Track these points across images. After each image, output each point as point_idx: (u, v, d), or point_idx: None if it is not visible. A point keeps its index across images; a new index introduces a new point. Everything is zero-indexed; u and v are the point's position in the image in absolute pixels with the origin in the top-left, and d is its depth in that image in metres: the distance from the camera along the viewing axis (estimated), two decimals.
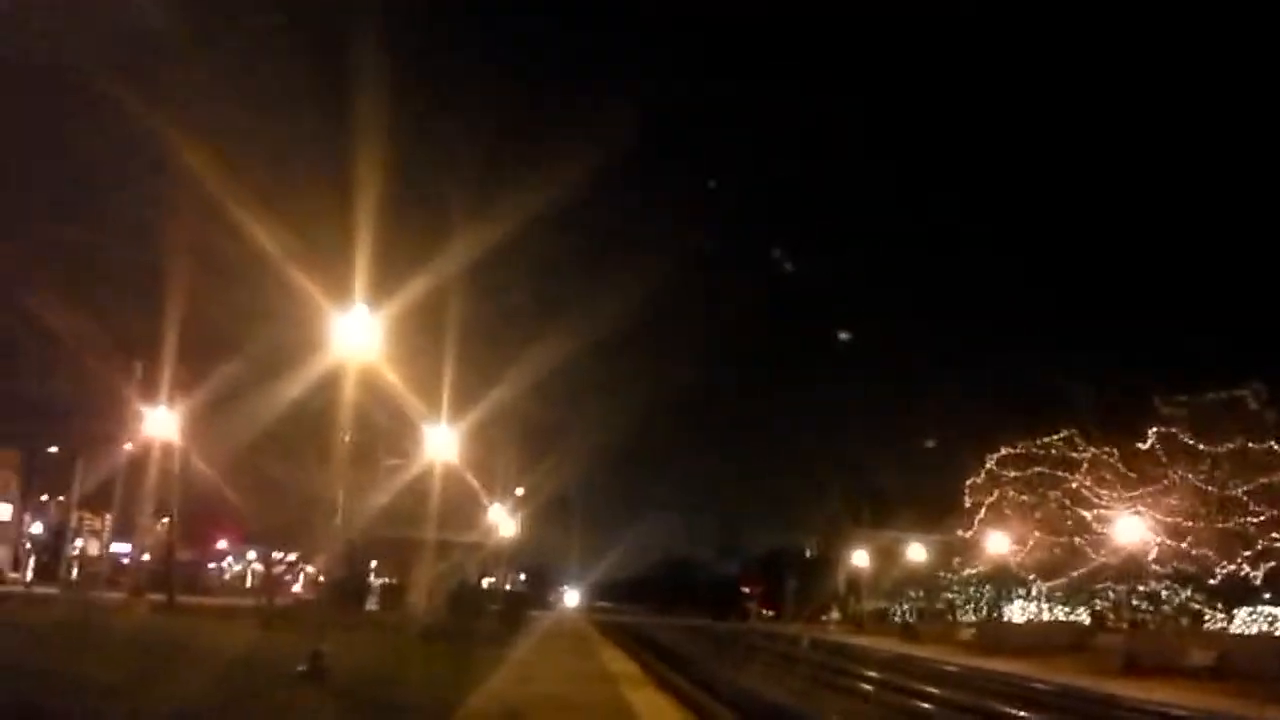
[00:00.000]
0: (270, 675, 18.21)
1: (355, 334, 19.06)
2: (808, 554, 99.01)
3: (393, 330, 22.85)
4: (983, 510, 56.64)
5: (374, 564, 60.13)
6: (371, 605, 48.63)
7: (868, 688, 31.03)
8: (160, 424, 36.24)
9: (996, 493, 55.62)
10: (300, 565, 50.51)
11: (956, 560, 62.53)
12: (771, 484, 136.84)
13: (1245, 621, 46.64)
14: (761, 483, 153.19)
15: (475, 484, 45.71)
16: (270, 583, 45.37)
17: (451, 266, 31.39)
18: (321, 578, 46.77)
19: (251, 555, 70.61)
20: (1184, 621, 48.64)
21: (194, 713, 13.71)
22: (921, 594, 71.03)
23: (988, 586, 62.40)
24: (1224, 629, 46.36)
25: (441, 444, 36.09)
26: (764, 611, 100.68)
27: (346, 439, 21.39)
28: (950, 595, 67.37)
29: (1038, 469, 53.45)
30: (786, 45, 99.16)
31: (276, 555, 48.08)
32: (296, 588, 54.70)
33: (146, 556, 53.08)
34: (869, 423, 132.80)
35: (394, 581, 50.95)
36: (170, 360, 33.88)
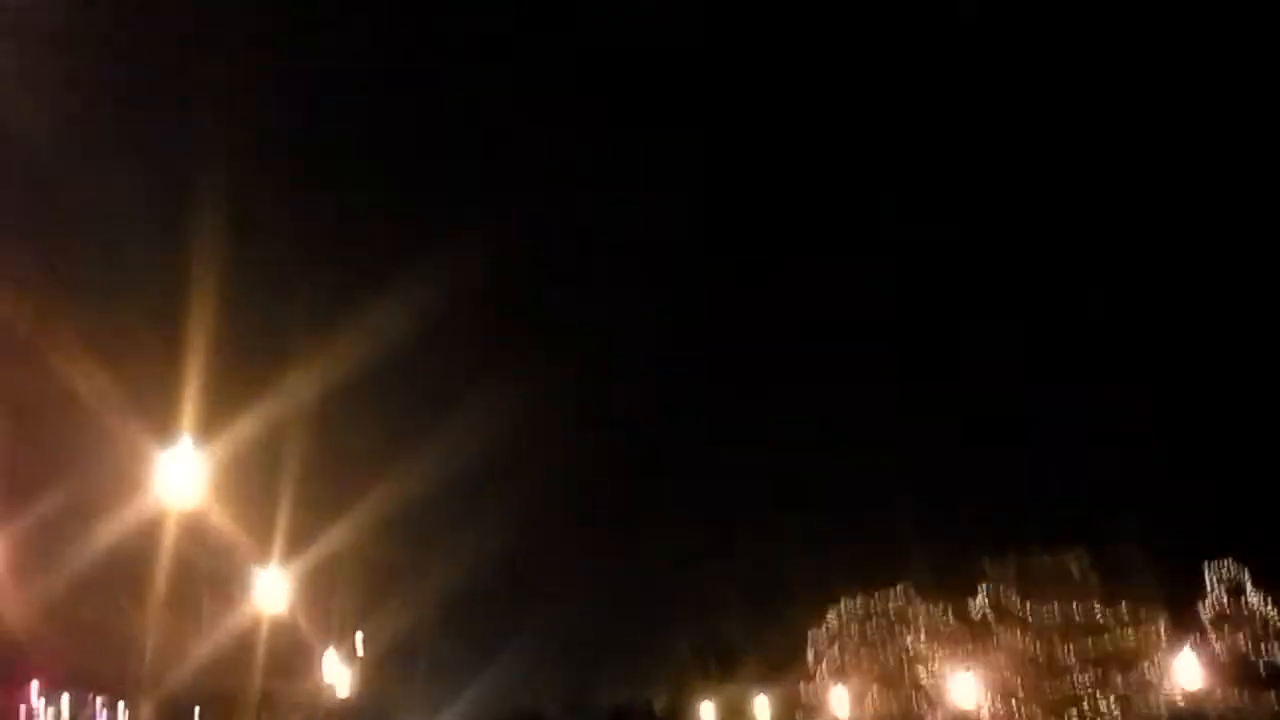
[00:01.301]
0: None
1: (178, 474, 18.64)
2: (656, 708, 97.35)
3: (224, 471, 22.38)
4: (824, 665, 57.15)
5: (197, 714, 56.62)
6: None
7: None
8: None
9: (837, 647, 56.28)
10: (115, 714, 47.21)
11: (798, 715, 62.48)
12: (622, 638, 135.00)
13: None
14: (613, 636, 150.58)
15: (309, 631, 43.88)
16: None
17: (289, 405, 30.86)
18: None
19: (63, 702, 65.81)
20: None
21: None
22: None
23: None
24: None
25: (271, 591, 34.66)
26: None
27: (165, 587, 20.60)
28: None
29: (875, 623, 54.43)
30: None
31: (89, 705, 44.94)
32: None
33: None
34: (714, 572, 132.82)
35: None
36: None
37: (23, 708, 69.91)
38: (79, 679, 54.43)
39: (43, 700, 70.95)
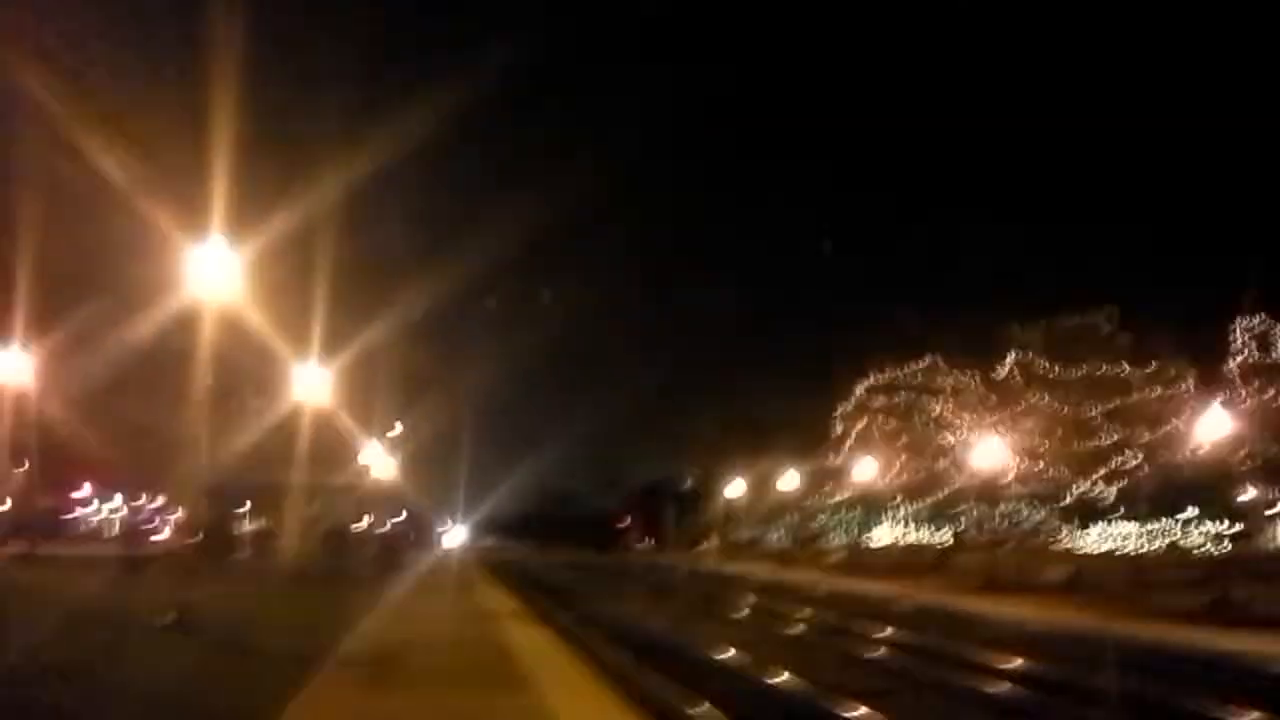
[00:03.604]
0: (137, 627, 17.84)
1: (213, 269, 18.42)
2: (687, 485, 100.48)
3: (258, 267, 22.14)
4: (851, 437, 58.34)
5: (247, 507, 58.74)
6: (244, 553, 47.63)
7: (742, 613, 31.88)
8: (12, 366, 34.30)
9: (865, 420, 57.28)
10: (167, 512, 49.13)
11: (827, 486, 64.27)
12: (654, 418, 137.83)
13: (1098, 539, 49.08)
14: (644, 421, 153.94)
15: (349, 424, 44.80)
16: (134, 531, 43.97)
17: (323, 200, 30.33)
18: (188, 525, 45.57)
19: (116, 502, 68.38)
20: (1041, 540, 50.98)
21: (59, 667, 13.39)
22: (795, 520, 72.83)
23: (857, 511, 64.36)
24: (1078, 547, 48.78)
25: (311, 384, 35.02)
26: (646, 541, 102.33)
27: (208, 381, 20.70)
28: (821, 520, 69.26)
29: (903, 395, 55.27)
30: None
31: (140, 503, 46.72)
32: (164, 534, 53.19)
33: (5, 506, 51.00)
34: (747, 353, 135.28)
35: (266, 526, 50.05)
36: (20, 297, 32.02)
37: (77, 510, 72.57)
38: (128, 480, 56.25)
39: (96, 501, 73.56)
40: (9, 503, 51.21)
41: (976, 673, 18.05)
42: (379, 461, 52.24)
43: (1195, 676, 17.73)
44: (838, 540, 63.65)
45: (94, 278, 29.06)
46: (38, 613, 20.72)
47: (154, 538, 51.18)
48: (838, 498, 63.72)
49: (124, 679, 12.58)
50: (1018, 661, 19.24)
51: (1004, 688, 16.79)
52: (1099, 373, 46.92)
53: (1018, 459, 47.67)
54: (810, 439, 65.52)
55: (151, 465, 42.51)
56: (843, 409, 59.59)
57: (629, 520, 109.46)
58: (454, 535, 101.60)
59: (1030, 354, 48.39)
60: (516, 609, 28.59)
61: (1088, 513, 48.69)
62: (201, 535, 37.79)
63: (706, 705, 14.16)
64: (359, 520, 56.78)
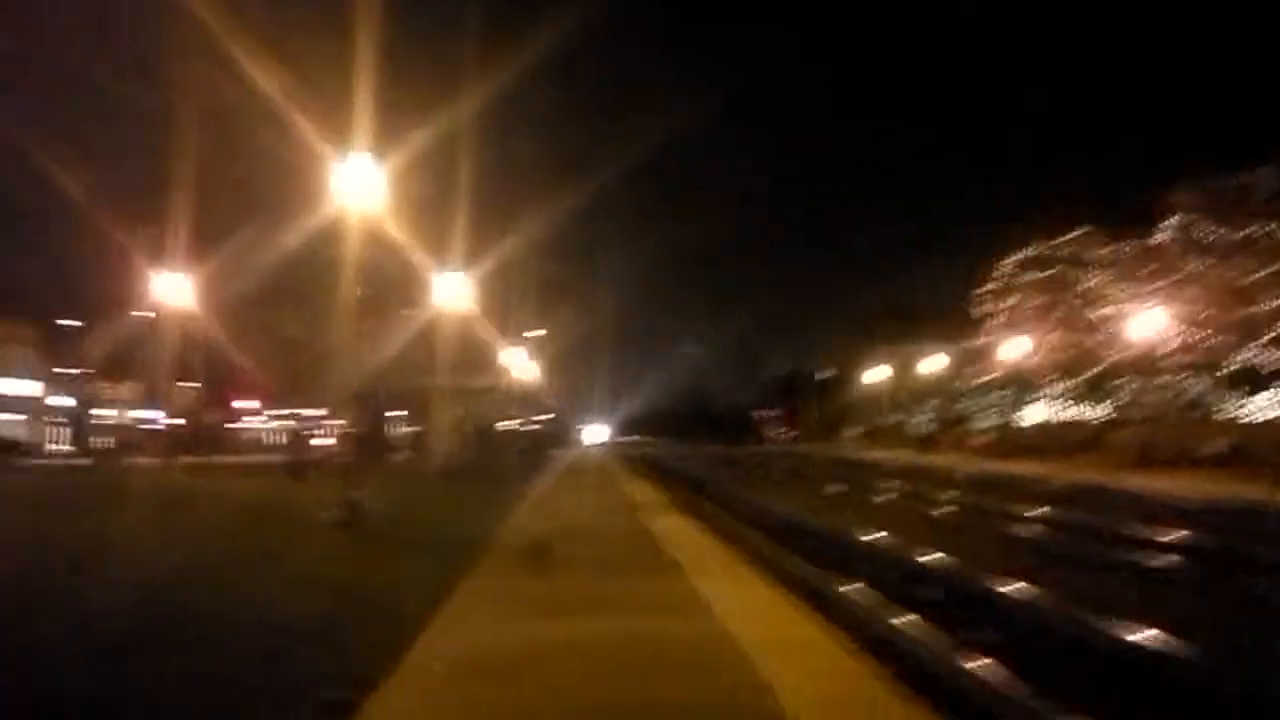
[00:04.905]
0: (312, 524, 18.86)
1: (360, 182, 18.94)
2: (826, 374, 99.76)
3: (401, 177, 22.67)
4: (997, 316, 56.77)
5: (402, 414, 60.98)
6: (401, 455, 49.57)
7: (884, 498, 31.72)
8: (173, 288, 35.99)
9: (1013, 298, 55.59)
10: (324, 420, 51.29)
11: (974, 367, 62.82)
12: (791, 308, 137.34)
13: (1262, 407, 46.83)
14: (781, 307, 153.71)
15: (491, 329, 45.77)
16: (299, 439, 46.15)
17: (464, 111, 30.77)
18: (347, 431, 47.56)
19: (274, 413, 71.77)
20: (1203, 411, 48.97)
21: (250, 559, 14.42)
22: (939, 403, 71.65)
23: (1005, 392, 62.83)
24: (1242, 417, 46.65)
25: (454, 291, 35.76)
26: (787, 432, 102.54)
27: (358, 292, 21.38)
28: (966, 403, 67.92)
29: (1054, 269, 53.30)
30: None
31: (302, 411, 48.98)
32: (323, 442, 55.74)
33: (178, 420, 54.09)
34: (891, 236, 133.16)
35: (420, 430, 51.89)
36: (179, 221, 33.48)
37: (243, 421, 76.50)
38: (285, 391, 58.83)
39: (261, 413, 77.45)
40: (176, 418, 54.39)
41: (1133, 547, 17.63)
42: (520, 364, 53.40)
43: None
44: (986, 422, 62.46)
45: (245, 192, 30.09)
46: (215, 513, 22.14)
47: (317, 444, 53.68)
48: (984, 378, 62.30)
49: (298, 569, 13.38)
50: (1176, 534, 18.71)
51: (1161, 560, 16.38)
52: (1261, 235, 44.26)
53: (1178, 329, 45.59)
54: (956, 321, 63.98)
55: (306, 375, 44.27)
56: (990, 286, 57.84)
57: (767, 412, 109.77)
58: (596, 432, 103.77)
59: (1190, 218, 45.86)
60: (659, 500, 29.02)
61: (1253, 381, 46.42)
62: (360, 439, 39.48)
63: (860, 584, 14.16)
64: (504, 420, 58.29)
